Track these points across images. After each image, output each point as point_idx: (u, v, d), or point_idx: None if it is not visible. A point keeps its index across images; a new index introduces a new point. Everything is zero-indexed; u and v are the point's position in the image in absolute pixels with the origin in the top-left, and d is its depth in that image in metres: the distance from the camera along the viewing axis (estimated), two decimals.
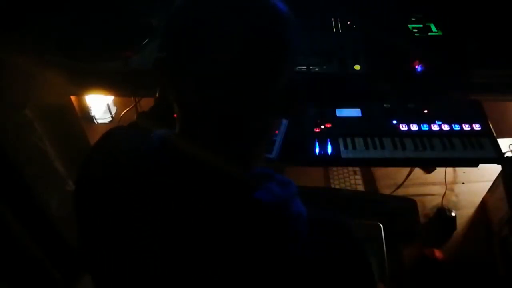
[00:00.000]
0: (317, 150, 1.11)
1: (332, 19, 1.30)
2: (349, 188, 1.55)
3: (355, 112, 1.20)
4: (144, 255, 0.55)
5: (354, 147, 1.12)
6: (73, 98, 1.42)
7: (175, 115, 0.59)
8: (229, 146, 0.55)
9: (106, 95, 1.69)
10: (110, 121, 1.81)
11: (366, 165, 1.51)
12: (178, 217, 0.53)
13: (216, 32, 0.49)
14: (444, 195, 1.53)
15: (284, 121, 1.13)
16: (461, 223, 1.47)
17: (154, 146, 0.58)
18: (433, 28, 1.27)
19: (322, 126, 1.16)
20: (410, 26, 1.28)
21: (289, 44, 0.52)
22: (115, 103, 1.82)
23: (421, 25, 1.28)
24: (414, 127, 1.15)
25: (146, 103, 1.66)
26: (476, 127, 1.14)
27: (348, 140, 1.13)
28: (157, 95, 1.01)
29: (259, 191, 0.52)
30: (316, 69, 1.15)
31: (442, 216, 1.47)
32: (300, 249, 0.51)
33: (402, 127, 1.15)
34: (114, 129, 0.70)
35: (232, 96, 0.51)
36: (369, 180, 1.59)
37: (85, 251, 0.66)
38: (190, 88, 0.52)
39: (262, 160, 0.62)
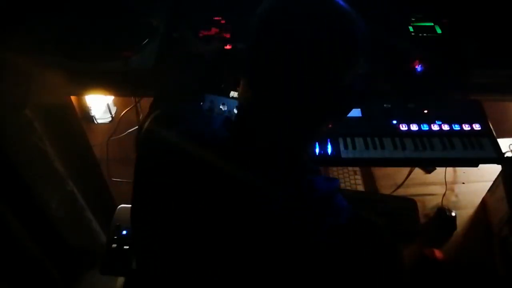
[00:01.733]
0: (317, 150, 1.11)
1: None
2: (349, 188, 1.55)
3: (355, 112, 1.20)
4: (206, 244, 0.60)
5: (354, 147, 1.12)
6: (73, 98, 1.42)
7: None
8: (288, 142, 0.61)
9: (106, 95, 1.69)
10: (110, 121, 1.81)
11: (366, 165, 1.51)
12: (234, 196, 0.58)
13: (302, 34, 0.54)
14: (444, 195, 1.53)
15: None
16: (461, 223, 1.47)
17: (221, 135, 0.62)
18: (433, 28, 1.27)
19: None
20: (410, 26, 1.28)
21: (360, 46, 0.58)
22: (115, 103, 1.83)
23: (421, 25, 1.28)
24: (414, 127, 1.15)
25: (146, 103, 1.66)
26: (476, 127, 1.14)
27: (348, 140, 1.13)
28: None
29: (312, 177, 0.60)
30: None
31: (442, 216, 1.47)
32: (337, 236, 0.57)
33: (402, 127, 1.15)
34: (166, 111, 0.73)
35: (305, 94, 0.56)
36: (369, 180, 1.59)
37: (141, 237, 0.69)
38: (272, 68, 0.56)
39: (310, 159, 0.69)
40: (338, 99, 0.59)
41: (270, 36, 0.56)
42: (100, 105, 1.77)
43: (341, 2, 0.58)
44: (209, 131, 0.65)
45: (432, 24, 1.28)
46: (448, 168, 1.57)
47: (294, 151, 0.62)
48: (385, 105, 1.20)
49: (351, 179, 1.58)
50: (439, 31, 1.26)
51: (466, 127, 1.14)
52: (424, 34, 1.25)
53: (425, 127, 1.15)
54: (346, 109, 0.64)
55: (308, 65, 0.54)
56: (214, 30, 1.25)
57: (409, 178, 1.57)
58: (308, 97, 0.57)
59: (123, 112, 1.69)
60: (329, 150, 1.11)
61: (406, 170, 1.59)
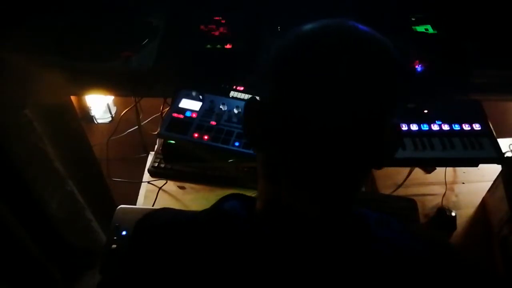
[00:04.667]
0: None
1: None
2: None
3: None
4: None
5: None
6: (73, 98, 1.42)
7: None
8: (333, 197, 0.51)
9: (106, 95, 1.69)
10: (110, 121, 1.81)
11: None
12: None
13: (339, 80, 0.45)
14: (444, 195, 1.53)
15: None
16: (461, 223, 1.47)
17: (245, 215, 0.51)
18: (433, 28, 1.27)
19: None
20: (410, 26, 1.28)
21: (400, 87, 0.51)
22: (115, 103, 1.83)
23: (421, 25, 1.28)
24: (414, 127, 1.15)
25: (146, 103, 1.67)
26: (476, 127, 1.14)
27: None
28: None
29: (375, 243, 0.50)
30: None
31: (442, 216, 1.47)
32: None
33: (402, 127, 1.15)
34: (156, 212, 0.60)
35: (348, 149, 0.48)
36: (369, 180, 1.59)
37: None
38: (307, 127, 0.47)
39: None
40: (386, 138, 0.51)
41: (295, 90, 0.46)
42: (100, 105, 1.77)
43: (369, 30, 0.50)
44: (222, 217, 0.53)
45: (432, 24, 1.28)
46: (448, 168, 1.57)
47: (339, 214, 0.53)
48: None
49: None
50: (439, 31, 1.26)
51: (466, 127, 1.14)
52: (424, 34, 1.25)
53: (425, 127, 1.15)
54: (393, 153, 0.55)
55: (350, 111, 0.46)
56: (214, 30, 1.25)
57: (409, 178, 1.56)
58: (356, 144, 0.48)
59: (123, 112, 1.69)
60: None
61: (406, 170, 1.58)
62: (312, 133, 0.47)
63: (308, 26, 0.49)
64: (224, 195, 0.57)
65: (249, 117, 0.53)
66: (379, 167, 0.55)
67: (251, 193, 0.58)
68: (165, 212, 0.60)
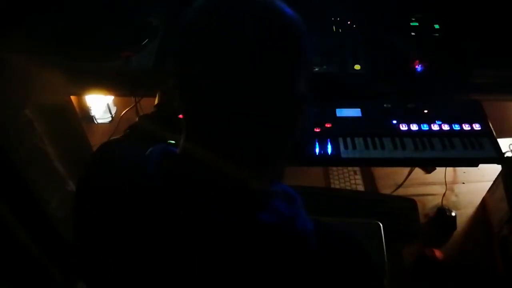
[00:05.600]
0: (317, 150, 1.11)
1: (332, 19, 1.30)
2: (349, 188, 1.55)
3: (355, 112, 1.19)
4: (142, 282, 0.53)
5: (354, 147, 1.12)
6: (73, 98, 1.42)
7: (180, 116, 0.57)
8: (240, 163, 0.52)
9: (106, 95, 1.69)
10: (110, 121, 1.81)
11: (366, 165, 1.51)
12: (177, 246, 0.50)
13: (230, 43, 0.47)
14: (444, 195, 1.53)
15: None
16: (461, 223, 1.47)
17: (152, 165, 0.54)
18: (433, 28, 1.27)
19: (322, 126, 1.16)
20: (410, 26, 1.28)
21: (304, 52, 0.51)
22: (115, 103, 1.83)
23: (421, 25, 1.28)
24: (414, 127, 1.15)
25: (146, 103, 1.66)
26: (476, 127, 1.14)
27: (348, 140, 1.13)
28: (157, 99, 0.99)
29: (263, 212, 0.50)
30: (316, 69, 1.16)
31: (442, 216, 1.47)
32: (310, 263, 0.50)
33: (402, 127, 1.15)
34: (109, 143, 0.68)
35: (247, 107, 0.49)
36: (369, 180, 1.59)
37: (82, 262, 0.64)
38: (202, 99, 0.50)
39: (280, 176, 0.59)
40: (291, 112, 0.52)
41: (194, 45, 0.49)
42: (100, 105, 1.77)
43: (276, 2, 0.51)
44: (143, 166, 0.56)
45: (432, 24, 1.28)
46: (448, 168, 1.57)
47: (240, 182, 0.53)
48: (385, 105, 1.20)
49: (351, 179, 1.58)
50: (439, 31, 1.26)
51: (466, 127, 1.14)
52: (424, 34, 1.25)
53: (425, 127, 1.15)
54: (299, 122, 0.55)
55: (249, 75, 0.47)
56: None
57: (409, 178, 1.57)
58: (255, 114, 0.49)
59: (123, 112, 1.68)
60: (329, 150, 1.11)
61: (406, 170, 1.59)
62: (206, 104, 0.49)
63: None
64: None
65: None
66: (294, 137, 0.55)
67: None
68: (107, 148, 0.66)
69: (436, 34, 1.25)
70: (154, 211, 0.51)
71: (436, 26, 1.27)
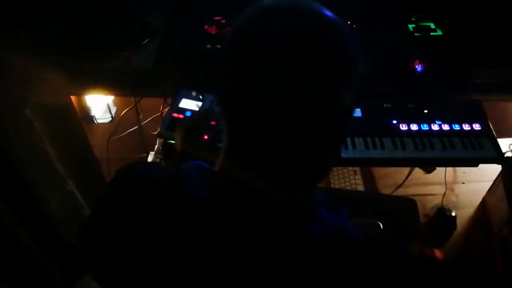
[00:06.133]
0: None
1: None
2: (349, 188, 1.55)
3: (355, 112, 1.20)
4: None
5: (354, 147, 1.12)
6: (73, 98, 1.42)
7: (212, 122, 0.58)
8: (283, 176, 0.53)
9: (106, 95, 1.69)
10: (110, 121, 1.81)
11: (366, 165, 1.51)
12: (230, 259, 0.49)
13: (285, 57, 0.47)
14: (444, 195, 1.53)
15: None
16: (461, 223, 1.47)
17: (196, 177, 0.53)
18: (433, 28, 1.27)
19: None
20: (410, 26, 1.28)
21: (355, 67, 0.51)
22: (115, 103, 1.83)
23: (421, 25, 1.28)
24: (414, 127, 1.15)
25: (146, 103, 1.67)
26: (476, 127, 1.14)
27: (348, 140, 1.13)
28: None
29: (313, 224, 0.50)
30: None
31: (442, 216, 1.47)
32: (365, 272, 0.50)
33: (402, 127, 1.15)
34: (133, 163, 0.65)
35: (296, 121, 0.49)
36: (369, 180, 1.59)
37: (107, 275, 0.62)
38: (250, 113, 0.50)
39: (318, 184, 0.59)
40: (335, 124, 0.52)
41: (248, 56, 0.49)
42: (100, 105, 1.77)
43: (328, 12, 0.51)
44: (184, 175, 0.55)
45: (432, 24, 1.28)
46: (448, 168, 1.57)
47: (287, 192, 0.53)
48: (385, 105, 1.20)
49: (351, 179, 1.58)
50: (439, 31, 1.26)
51: (466, 127, 1.14)
52: (424, 34, 1.25)
53: (425, 127, 1.15)
54: (343, 135, 0.56)
55: (298, 87, 0.47)
56: (214, 30, 1.26)
57: (409, 178, 1.56)
58: (299, 124, 0.49)
59: (123, 112, 1.69)
60: None
61: (406, 170, 1.58)
62: (257, 115, 0.49)
63: (263, 4, 0.51)
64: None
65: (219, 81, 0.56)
66: (333, 151, 0.55)
67: None
68: (135, 167, 0.64)
69: (436, 34, 1.25)
70: (205, 222, 0.50)
71: (436, 26, 1.27)
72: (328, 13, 0.51)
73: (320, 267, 0.48)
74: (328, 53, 0.48)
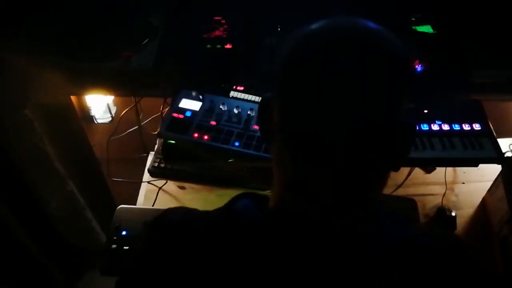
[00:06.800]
0: None
1: None
2: None
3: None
4: None
5: None
6: (73, 98, 1.42)
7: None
8: (352, 199, 0.51)
9: (106, 95, 1.69)
10: (110, 121, 1.81)
11: None
12: None
13: (347, 78, 0.46)
14: (444, 195, 1.53)
15: None
16: (461, 223, 1.47)
17: (254, 213, 0.52)
18: (433, 28, 1.27)
19: None
20: (410, 26, 1.28)
21: (409, 83, 0.51)
22: (115, 103, 1.83)
23: (421, 25, 1.28)
24: None
25: (146, 103, 1.67)
26: (476, 127, 1.14)
27: None
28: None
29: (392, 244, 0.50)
30: None
31: (442, 216, 1.47)
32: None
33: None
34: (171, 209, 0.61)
35: (359, 141, 0.48)
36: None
37: None
38: (311, 137, 0.48)
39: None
40: (398, 138, 0.51)
41: (304, 79, 0.47)
42: (100, 105, 1.77)
43: (373, 25, 0.52)
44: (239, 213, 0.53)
45: (432, 24, 1.28)
46: (448, 168, 1.57)
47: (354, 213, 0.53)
48: None
49: None
50: (439, 31, 1.26)
51: (466, 127, 1.14)
52: (424, 34, 1.25)
53: (425, 127, 1.15)
54: (405, 152, 0.53)
55: (359, 105, 0.46)
56: (214, 30, 1.26)
57: (409, 178, 1.56)
58: (367, 145, 0.48)
59: (123, 112, 1.69)
60: None
61: (406, 170, 1.58)
62: (321, 136, 0.47)
63: (316, 26, 0.51)
64: (237, 194, 0.57)
65: (263, 114, 0.54)
66: (395, 168, 0.54)
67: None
68: (179, 211, 0.60)
69: (436, 34, 1.25)
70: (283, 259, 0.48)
71: (436, 26, 1.27)
72: (374, 25, 0.52)
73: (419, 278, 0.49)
74: (388, 67, 0.48)
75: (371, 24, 0.51)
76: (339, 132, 0.47)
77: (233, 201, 0.55)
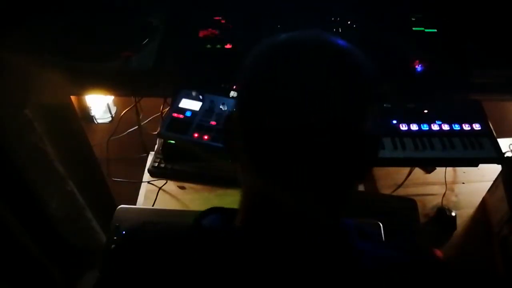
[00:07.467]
0: None
1: (332, 19, 1.30)
2: None
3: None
4: None
5: None
6: (73, 98, 1.42)
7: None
8: (315, 213, 0.51)
9: (106, 95, 1.69)
10: (110, 121, 1.81)
11: None
12: None
13: (305, 90, 0.45)
14: (444, 195, 1.53)
15: None
16: (461, 223, 1.47)
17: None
18: (433, 28, 1.27)
19: None
20: (410, 26, 1.28)
21: (375, 93, 0.50)
22: (115, 103, 1.83)
23: (421, 25, 1.28)
24: (414, 127, 1.15)
25: (146, 103, 1.67)
26: (476, 127, 1.14)
27: None
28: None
29: (356, 258, 0.50)
30: None
31: (442, 216, 1.47)
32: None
33: (402, 127, 1.15)
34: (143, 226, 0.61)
35: (324, 156, 0.46)
36: (369, 180, 1.59)
37: None
38: (273, 154, 0.47)
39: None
40: (362, 150, 0.50)
41: (264, 93, 0.46)
42: (100, 105, 1.77)
43: (340, 41, 0.50)
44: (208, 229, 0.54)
45: (432, 24, 1.28)
46: (448, 168, 1.57)
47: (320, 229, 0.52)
48: (385, 105, 1.20)
49: None
50: (439, 31, 1.26)
51: (466, 127, 1.14)
52: (425, 34, 1.25)
53: (425, 127, 1.15)
54: (372, 159, 0.53)
55: (322, 122, 0.45)
56: (214, 30, 1.26)
57: (409, 178, 1.57)
58: (330, 161, 0.47)
59: (123, 112, 1.69)
60: None
61: (406, 170, 1.58)
62: (285, 151, 0.46)
63: (281, 37, 0.50)
64: (205, 209, 0.57)
65: (227, 131, 0.54)
66: (360, 179, 0.54)
67: None
68: (147, 229, 0.61)
69: (436, 34, 1.25)
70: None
71: (436, 26, 1.27)
72: (340, 41, 0.50)
73: None
74: (354, 80, 0.47)
75: (334, 38, 0.50)
76: (302, 145, 0.46)
77: (201, 217, 0.56)
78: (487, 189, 1.52)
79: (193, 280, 0.49)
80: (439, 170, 1.58)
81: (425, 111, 1.18)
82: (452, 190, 1.57)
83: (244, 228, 0.52)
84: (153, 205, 1.39)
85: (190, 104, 1.12)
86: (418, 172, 1.60)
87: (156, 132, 1.47)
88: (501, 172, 1.43)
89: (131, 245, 0.57)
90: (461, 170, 1.61)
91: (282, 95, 0.45)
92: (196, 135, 1.05)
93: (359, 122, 0.48)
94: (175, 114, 1.10)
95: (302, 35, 0.50)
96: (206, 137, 1.05)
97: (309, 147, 0.46)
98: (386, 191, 1.55)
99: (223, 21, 1.28)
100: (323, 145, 0.46)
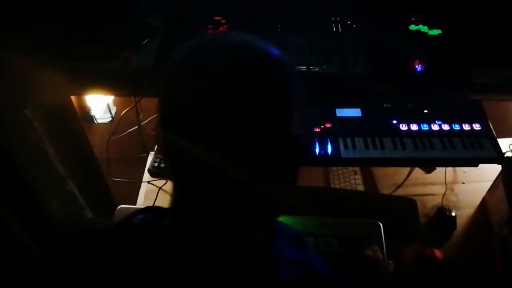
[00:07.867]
0: (317, 150, 1.11)
1: (332, 19, 1.30)
2: (349, 188, 1.55)
3: (355, 112, 1.20)
4: None
5: (354, 147, 1.12)
6: (73, 98, 1.42)
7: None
8: (241, 219, 0.51)
9: (106, 95, 1.69)
10: (110, 121, 1.81)
11: (366, 165, 1.51)
12: None
13: (219, 95, 0.44)
14: (444, 195, 1.53)
15: None
16: (461, 223, 1.47)
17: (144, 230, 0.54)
18: (433, 28, 1.27)
19: (322, 126, 1.16)
20: (410, 26, 1.28)
21: (295, 92, 0.49)
22: (115, 103, 1.83)
23: (421, 25, 1.28)
24: (414, 127, 1.15)
25: (146, 103, 1.67)
26: (476, 127, 1.14)
27: (348, 140, 1.13)
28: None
29: (279, 266, 0.49)
30: (316, 69, 1.15)
31: (442, 216, 1.47)
32: None
33: (402, 127, 1.15)
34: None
35: (242, 164, 0.46)
36: (369, 180, 1.59)
37: None
38: (193, 157, 0.47)
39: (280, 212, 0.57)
40: (281, 154, 0.49)
41: (180, 100, 0.47)
42: (100, 105, 1.77)
43: (263, 44, 0.49)
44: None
45: (432, 24, 1.28)
46: (448, 168, 1.57)
47: (241, 236, 0.52)
48: (385, 105, 1.20)
49: (351, 179, 1.58)
50: (439, 31, 1.26)
51: (466, 127, 1.14)
52: (424, 34, 1.25)
53: (425, 127, 1.15)
54: (293, 162, 0.51)
55: (243, 127, 0.44)
56: (214, 30, 1.25)
57: (409, 178, 1.56)
58: (251, 163, 0.46)
59: (123, 112, 1.69)
60: (329, 150, 1.11)
61: (406, 170, 1.58)
62: (201, 161, 0.46)
63: (194, 42, 0.51)
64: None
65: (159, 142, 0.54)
66: (287, 182, 0.53)
67: None
68: (89, 224, 0.64)
69: (436, 34, 1.25)
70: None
71: (436, 26, 1.27)
72: (261, 44, 0.49)
73: None
74: (264, 87, 0.46)
75: (255, 42, 0.50)
76: (217, 152, 0.45)
77: (132, 215, 0.57)
78: (487, 189, 1.52)
79: (108, 276, 0.52)
80: (439, 170, 1.58)
81: (425, 111, 1.18)
82: (452, 190, 1.57)
83: (165, 228, 0.54)
84: (153, 205, 1.38)
85: None
86: (418, 172, 1.60)
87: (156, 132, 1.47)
88: (501, 172, 1.43)
89: (77, 236, 0.61)
90: (461, 170, 1.61)
91: (194, 101, 0.45)
92: None
93: (279, 128, 0.47)
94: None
95: (226, 38, 0.51)
96: None
97: (224, 155, 0.45)
98: (386, 191, 1.55)
99: (223, 21, 1.28)
100: (238, 155, 0.45)
